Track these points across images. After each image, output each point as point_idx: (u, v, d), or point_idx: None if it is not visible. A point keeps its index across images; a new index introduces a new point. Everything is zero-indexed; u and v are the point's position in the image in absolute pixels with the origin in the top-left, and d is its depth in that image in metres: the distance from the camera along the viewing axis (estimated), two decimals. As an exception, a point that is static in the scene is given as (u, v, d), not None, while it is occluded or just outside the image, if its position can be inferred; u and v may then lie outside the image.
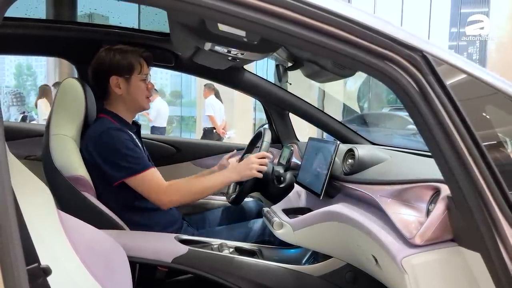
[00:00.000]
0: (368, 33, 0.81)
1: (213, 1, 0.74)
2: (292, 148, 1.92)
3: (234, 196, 1.76)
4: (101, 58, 1.62)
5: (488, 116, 0.93)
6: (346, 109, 11.06)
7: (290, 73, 1.82)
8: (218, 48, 1.43)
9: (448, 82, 0.83)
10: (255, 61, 1.80)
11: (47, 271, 0.74)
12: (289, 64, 1.73)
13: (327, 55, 0.86)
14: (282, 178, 1.75)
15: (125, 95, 1.63)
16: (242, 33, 1.19)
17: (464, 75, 0.89)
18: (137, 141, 1.63)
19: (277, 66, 1.71)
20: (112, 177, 1.54)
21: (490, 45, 12.57)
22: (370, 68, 0.83)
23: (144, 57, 1.65)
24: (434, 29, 13.36)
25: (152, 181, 1.55)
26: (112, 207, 1.55)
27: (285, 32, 0.77)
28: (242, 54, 1.47)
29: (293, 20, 0.77)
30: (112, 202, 1.57)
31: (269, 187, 1.76)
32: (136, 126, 1.74)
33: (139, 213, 1.62)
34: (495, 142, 0.92)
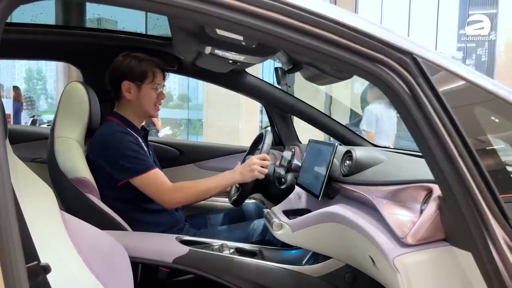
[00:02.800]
0: (359, 36, 0.83)
1: (209, 7, 0.76)
2: (293, 150, 1.94)
3: (235, 197, 1.78)
4: (117, 62, 1.68)
5: (479, 119, 0.94)
6: (353, 112, 11.04)
7: (297, 77, 1.84)
8: (218, 52, 1.46)
9: (439, 84, 0.84)
10: (261, 64, 1.83)
11: (47, 269, 0.76)
12: (289, 67, 1.75)
13: (319, 58, 0.88)
14: (283, 179, 1.76)
15: (135, 100, 1.68)
16: (239, 37, 1.21)
17: (455, 78, 0.90)
18: (142, 144, 1.67)
19: (276, 69, 1.74)
20: (116, 177, 1.58)
21: (499, 47, 12.47)
22: (361, 71, 0.85)
23: (159, 67, 1.70)
24: (442, 31, 13.28)
25: (156, 181, 1.59)
26: (117, 207, 1.59)
27: (276, 36, 0.79)
28: (241, 57, 1.49)
29: (285, 24, 0.79)
30: (117, 202, 1.61)
31: (270, 189, 1.78)
32: (144, 131, 1.78)
33: (143, 213, 1.66)
34: (485, 143, 0.93)
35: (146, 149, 1.68)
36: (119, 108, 1.72)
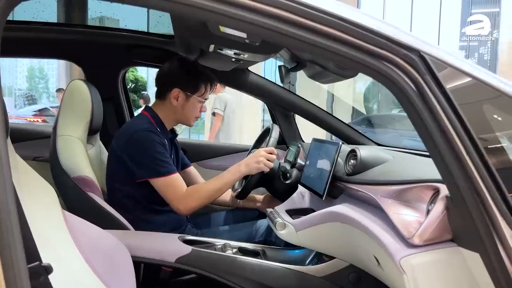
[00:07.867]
0: (364, 33, 0.81)
1: (212, 3, 0.75)
2: (299, 145, 1.91)
3: (239, 190, 1.77)
4: (173, 68, 1.69)
5: (487, 117, 0.93)
6: (355, 111, 11.02)
7: (300, 76, 1.82)
8: (221, 49, 1.45)
9: (446, 82, 0.83)
10: (263, 62, 1.82)
11: (48, 269, 0.75)
12: (292, 65, 1.74)
13: (322, 55, 0.86)
14: (288, 174, 1.74)
15: (179, 108, 1.69)
16: (243, 34, 1.20)
17: (463, 75, 0.88)
18: (167, 147, 1.67)
19: (279, 67, 1.72)
20: (135, 174, 1.59)
21: (502, 45, 12.44)
22: (367, 68, 0.84)
23: (212, 82, 1.72)
24: (444, 30, 13.26)
25: (173, 187, 1.59)
26: (125, 204, 1.60)
27: (279, 33, 0.78)
28: (245, 55, 1.48)
29: (288, 21, 0.78)
30: (127, 198, 1.62)
31: (275, 183, 1.76)
32: (172, 134, 1.78)
33: (150, 213, 1.66)
34: (494, 141, 0.91)
35: (170, 152, 1.69)
36: (158, 107, 1.72)
